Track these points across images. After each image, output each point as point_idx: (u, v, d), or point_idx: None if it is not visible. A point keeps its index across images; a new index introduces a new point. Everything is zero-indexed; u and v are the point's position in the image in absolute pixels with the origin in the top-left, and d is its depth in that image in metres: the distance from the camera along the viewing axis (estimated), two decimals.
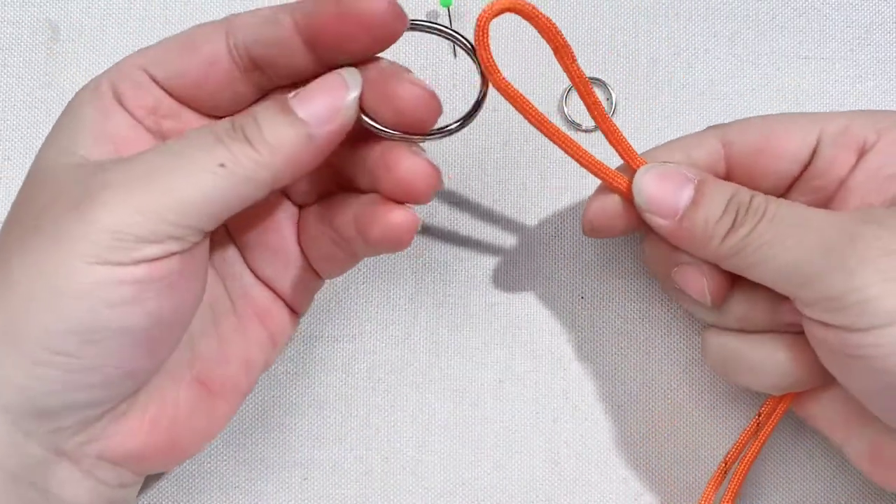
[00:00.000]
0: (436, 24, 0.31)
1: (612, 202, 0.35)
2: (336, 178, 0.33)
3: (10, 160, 0.41)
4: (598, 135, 0.40)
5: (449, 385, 0.39)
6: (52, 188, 0.28)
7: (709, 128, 0.35)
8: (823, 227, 0.30)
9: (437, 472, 0.39)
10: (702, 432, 0.39)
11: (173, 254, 0.27)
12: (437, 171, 0.30)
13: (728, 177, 0.34)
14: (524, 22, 0.40)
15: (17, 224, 0.29)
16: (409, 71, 0.30)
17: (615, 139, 0.34)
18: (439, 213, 0.40)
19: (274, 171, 0.28)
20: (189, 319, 0.30)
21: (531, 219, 0.40)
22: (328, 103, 0.29)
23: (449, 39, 0.32)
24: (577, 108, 0.40)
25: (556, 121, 0.40)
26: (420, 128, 0.30)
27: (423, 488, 0.39)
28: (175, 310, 0.29)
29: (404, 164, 0.30)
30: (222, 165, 0.27)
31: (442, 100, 0.40)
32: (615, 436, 0.39)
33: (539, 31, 0.32)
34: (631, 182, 0.34)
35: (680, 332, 0.39)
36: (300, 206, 0.34)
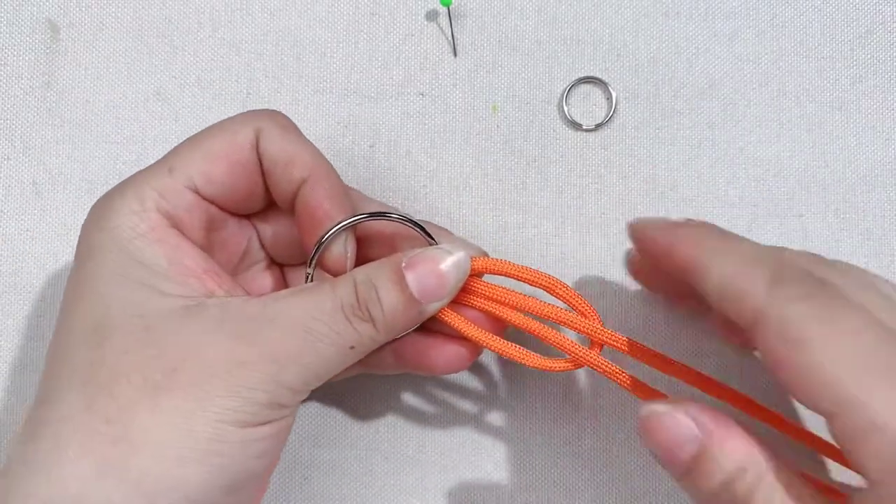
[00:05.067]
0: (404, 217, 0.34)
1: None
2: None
3: (9, 160, 0.41)
4: (599, 134, 0.40)
5: (449, 385, 0.39)
6: (175, 344, 0.29)
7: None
8: None
9: (437, 472, 0.39)
10: None
11: (293, 411, 0.31)
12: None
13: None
14: (525, 20, 0.41)
15: (131, 377, 0.28)
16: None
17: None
18: (439, 213, 0.40)
19: (381, 343, 0.32)
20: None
21: (531, 218, 0.40)
22: (442, 287, 0.32)
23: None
24: (577, 108, 0.40)
25: (557, 120, 0.40)
26: None
27: (423, 488, 0.39)
28: (280, 450, 0.32)
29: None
30: (352, 348, 0.30)
31: (443, 99, 0.40)
32: (615, 436, 0.39)
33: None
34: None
35: (680, 331, 0.39)
36: None
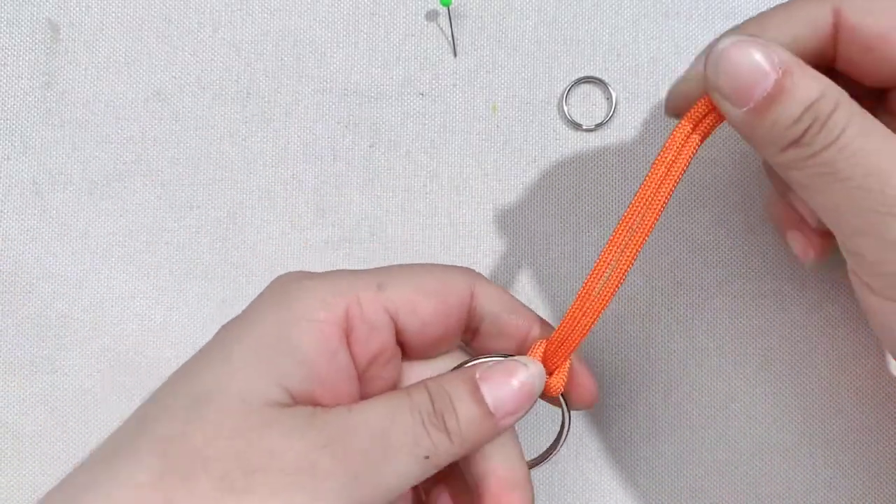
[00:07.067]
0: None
1: (691, 87, 0.31)
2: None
3: (9, 160, 0.41)
4: (600, 134, 0.40)
5: None
6: (262, 441, 0.27)
7: None
8: (888, 183, 0.26)
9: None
10: (701, 431, 0.39)
11: None
12: None
13: (829, 60, 0.30)
14: (525, 20, 0.41)
15: (211, 467, 0.27)
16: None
17: None
18: (439, 213, 0.40)
19: (456, 457, 0.30)
20: None
21: (531, 217, 0.40)
22: (517, 401, 0.30)
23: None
24: (577, 108, 0.40)
25: (557, 120, 0.40)
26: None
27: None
28: None
29: None
30: (427, 458, 0.28)
31: (443, 99, 0.40)
32: (615, 436, 0.39)
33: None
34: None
35: (680, 332, 0.39)
36: None
